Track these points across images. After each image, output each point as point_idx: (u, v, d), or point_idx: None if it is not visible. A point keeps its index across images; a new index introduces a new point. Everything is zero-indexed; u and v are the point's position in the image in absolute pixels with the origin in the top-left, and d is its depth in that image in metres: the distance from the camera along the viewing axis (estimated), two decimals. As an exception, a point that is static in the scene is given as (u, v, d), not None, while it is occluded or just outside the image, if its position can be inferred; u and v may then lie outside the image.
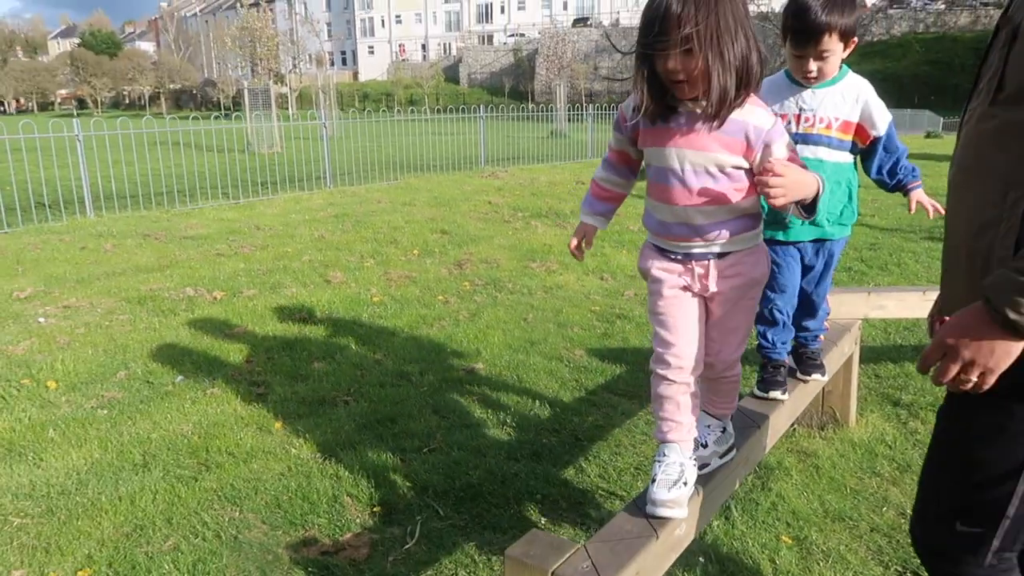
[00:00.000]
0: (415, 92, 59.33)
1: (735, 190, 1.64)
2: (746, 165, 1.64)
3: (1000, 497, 1.25)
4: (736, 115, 1.58)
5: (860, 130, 2.34)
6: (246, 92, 20.15)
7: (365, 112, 13.81)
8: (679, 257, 1.73)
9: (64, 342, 4.32)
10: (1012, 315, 1.04)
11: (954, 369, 1.13)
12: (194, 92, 76.51)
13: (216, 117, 13.44)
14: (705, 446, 1.87)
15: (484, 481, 2.83)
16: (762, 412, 2.31)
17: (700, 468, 1.81)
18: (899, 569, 2.32)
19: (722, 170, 1.62)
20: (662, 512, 1.67)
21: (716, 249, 1.69)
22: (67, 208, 8.73)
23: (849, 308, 3.17)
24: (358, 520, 2.59)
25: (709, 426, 1.91)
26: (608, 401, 3.59)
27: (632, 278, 5.87)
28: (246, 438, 3.16)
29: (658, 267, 1.77)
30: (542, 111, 19.67)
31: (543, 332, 4.56)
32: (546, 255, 6.56)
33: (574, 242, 1.95)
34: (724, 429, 1.94)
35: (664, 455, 1.75)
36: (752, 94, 1.58)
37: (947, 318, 1.19)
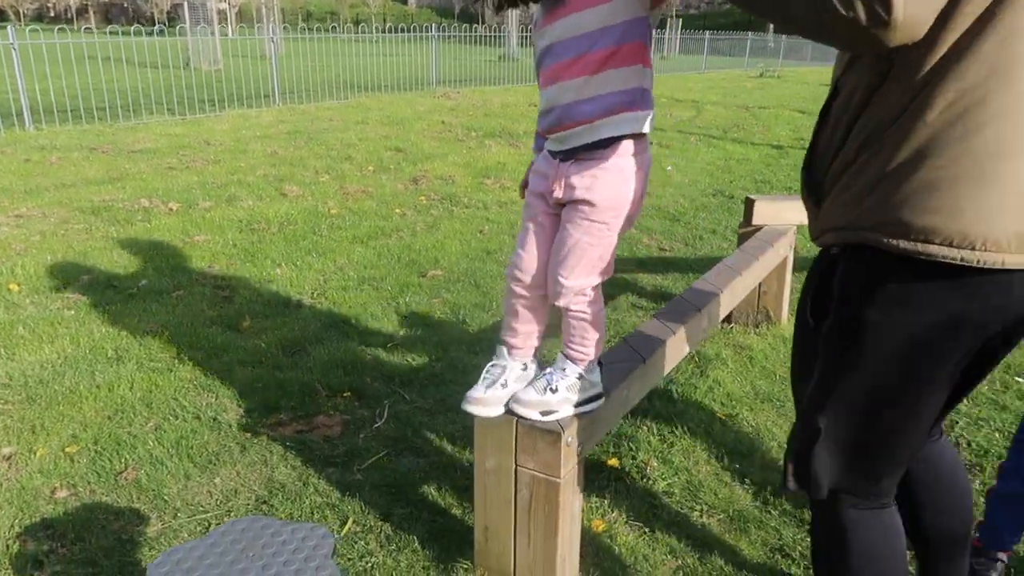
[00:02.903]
0: (361, 12, 57.22)
1: (615, 50, 1.48)
2: (624, 8, 1.47)
3: (799, 418, 1.32)
4: None
5: None
6: (185, 6, 19.27)
7: (312, 29, 13.40)
8: (557, 158, 1.63)
9: (20, 249, 4.31)
10: None
11: None
12: (125, 6, 72.33)
13: (159, 32, 12.91)
14: (555, 391, 1.70)
15: (446, 371, 3.03)
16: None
17: (544, 414, 1.68)
18: (817, 440, 2.62)
19: (598, 27, 1.48)
20: (469, 407, 1.71)
21: (593, 136, 1.54)
22: (4, 121, 8.42)
23: (785, 214, 3.40)
24: (329, 404, 2.77)
25: (564, 369, 1.74)
26: (561, 304, 3.80)
27: (584, 195, 6.04)
28: (215, 335, 3.29)
29: (532, 170, 1.73)
30: (493, 33, 19.33)
31: (498, 243, 4.73)
32: (500, 172, 6.68)
33: (524, 184, 1.87)
34: (581, 376, 1.73)
35: (494, 356, 1.83)
36: None
37: None
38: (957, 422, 2.75)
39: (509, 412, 1.73)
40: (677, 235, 5.04)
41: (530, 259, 1.72)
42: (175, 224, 4.90)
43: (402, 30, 14.28)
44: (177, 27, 13.90)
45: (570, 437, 1.69)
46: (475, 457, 1.83)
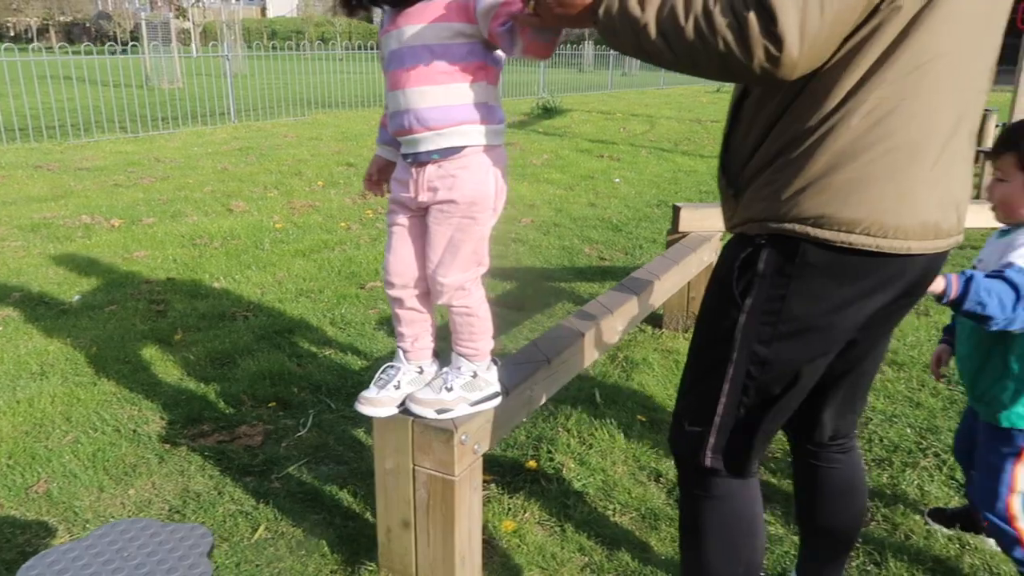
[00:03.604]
0: (327, 30, 57.21)
1: (458, 67, 1.54)
2: (470, 32, 1.53)
3: (713, 396, 1.35)
4: None
5: None
6: (144, 25, 19.15)
7: (271, 48, 13.40)
8: (408, 160, 1.65)
9: (-47, 267, 4.26)
10: (601, 12, 1.17)
11: None
12: (87, 25, 71.48)
13: (111, 51, 12.81)
14: (450, 389, 1.74)
15: (375, 380, 3.05)
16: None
17: (439, 412, 1.72)
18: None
19: (443, 42, 1.53)
20: (360, 407, 1.75)
21: (441, 143, 1.59)
22: (-51, 140, 8.30)
23: (711, 221, 3.49)
24: (253, 414, 2.77)
25: (460, 368, 1.77)
26: (496, 313, 3.78)
27: (530, 207, 6.11)
28: (145, 348, 3.27)
29: (392, 177, 1.76)
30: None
31: (441, 254, 4.75)
32: (450, 186, 6.72)
33: (367, 177, 1.90)
34: (476, 374, 1.77)
35: (394, 357, 1.86)
36: None
37: None
38: (871, 419, 2.83)
39: (406, 412, 1.76)
40: (618, 245, 5.12)
41: (398, 262, 1.76)
42: (116, 240, 4.86)
43: (359, 47, 14.33)
44: (129, 45, 13.79)
45: (464, 435, 1.72)
46: (375, 459, 1.85)
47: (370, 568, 1.97)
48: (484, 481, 2.39)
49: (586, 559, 2.08)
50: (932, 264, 1.28)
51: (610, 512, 2.28)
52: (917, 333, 3.65)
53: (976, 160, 7.55)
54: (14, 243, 4.74)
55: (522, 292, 4.15)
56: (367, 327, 3.59)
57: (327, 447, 2.57)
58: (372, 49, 14.26)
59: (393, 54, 1.57)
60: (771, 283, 1.26)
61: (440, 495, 1.76)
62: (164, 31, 19.91)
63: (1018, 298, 1.58)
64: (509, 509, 2.26)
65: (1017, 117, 6.22)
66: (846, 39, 1.11)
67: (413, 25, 1.53)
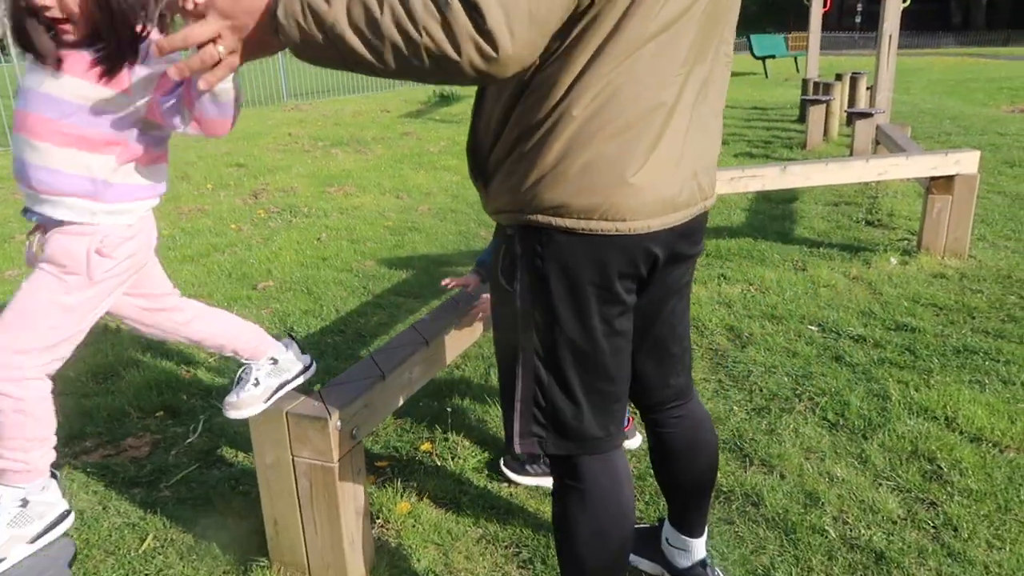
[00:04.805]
0: (215, 28, 55.09)
1: (84, 134, 1.35)
2: (117, 102, 1.34)
3: (512, 384, 1.36)
4: None
5: None
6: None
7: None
8: (24, 214, 1.45)
9: None
10: (280, 13, 0.99)
11: (209, 29, 1.03)
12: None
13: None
14: None
15: (267, 379, 3.00)
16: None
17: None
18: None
19: (74, 100, 1.33)
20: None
21: (44, 210, 1.40)
22: None
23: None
24: (140, 425, 2.70)
25: None
26: (394, 302, 3.85)
27: (427, 195, 6.11)
28: (20, 369, 3.12)
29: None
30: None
31: (336, 249, 4.71)
32: (344, 180, 6.65)
33: None
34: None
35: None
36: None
37: None
38: (752, 372, 2.98)
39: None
40: (514, 225, 5.18)
41: None
42: (-14, 260, 4.60)
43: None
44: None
45: (338, 422, 1.73)
46: (255, 455, 1.84)
47: (262, 564, 1.96)
48: (379, 466, 2.42)
49: (481, 531, 2.12)
50: (688, 227, 1.31)
51: (505, 485, 2.33)
52: (794, 288, 3.85)
53: (848, 122, 7.95)
54: None
55: (419, 280, 4.16)
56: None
57: (218, 450, 2.53)
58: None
59: (21, 91, 1.36)
60: (530, 267, 1.27)
61: (322, 483, 1.76)
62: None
63: None
64: (404, 491, 2.29)
65: (881, 79, 6.61)
66: (567, 32, 1.10)
67: (46, 67, 1.31)
